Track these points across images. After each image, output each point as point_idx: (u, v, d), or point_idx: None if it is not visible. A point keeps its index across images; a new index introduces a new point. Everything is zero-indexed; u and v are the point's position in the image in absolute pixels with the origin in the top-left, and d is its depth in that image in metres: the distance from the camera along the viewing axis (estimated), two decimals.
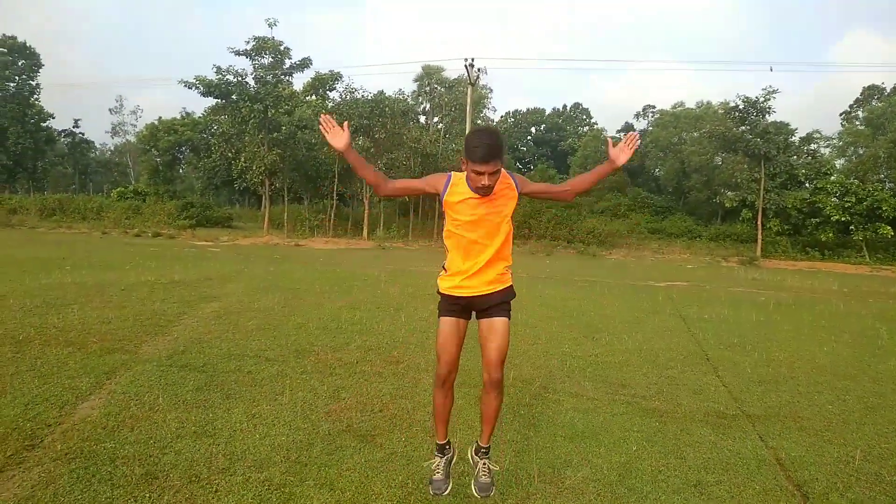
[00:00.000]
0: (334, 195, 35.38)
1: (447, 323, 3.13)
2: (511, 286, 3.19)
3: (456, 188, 3.03)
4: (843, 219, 30.43)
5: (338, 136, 3.08)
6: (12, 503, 3.09)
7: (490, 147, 2.77)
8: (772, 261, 30.14)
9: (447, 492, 3.13)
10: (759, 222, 32.40)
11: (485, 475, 3.12)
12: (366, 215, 34.29)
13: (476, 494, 3.13)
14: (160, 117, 50.57)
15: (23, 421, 4.13)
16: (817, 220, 31.61)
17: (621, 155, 3.18)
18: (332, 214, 35.54)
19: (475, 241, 3.07)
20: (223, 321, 7.87)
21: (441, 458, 3.17)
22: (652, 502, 3.48)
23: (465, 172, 2.96)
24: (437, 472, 3.13)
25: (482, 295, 3.12)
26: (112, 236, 27.93)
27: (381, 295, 11.04)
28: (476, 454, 3.22)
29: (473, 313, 3.22)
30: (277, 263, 17.10)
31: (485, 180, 2.81)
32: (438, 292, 3.20)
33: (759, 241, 32.32)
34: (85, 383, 5.00)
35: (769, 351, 7.74)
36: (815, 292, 15.81)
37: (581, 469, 3.88)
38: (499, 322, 3.10)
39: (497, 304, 3.13)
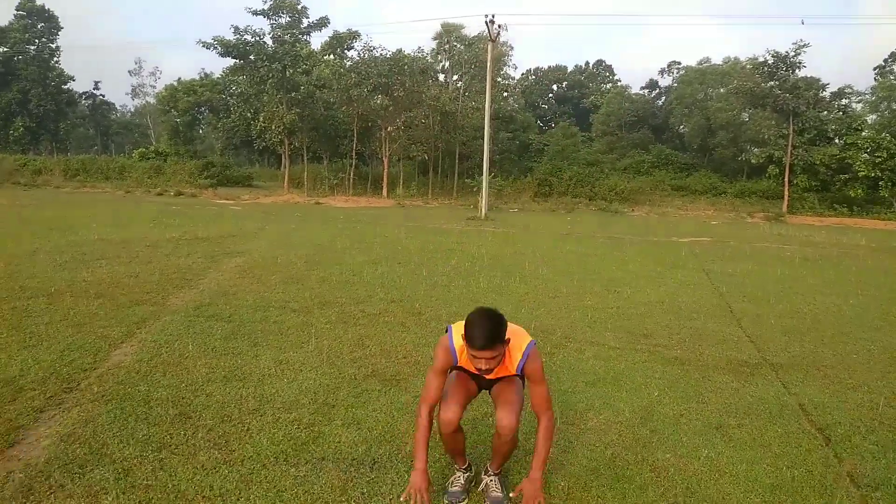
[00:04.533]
0: (353, 154, 35.33)
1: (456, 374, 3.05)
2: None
3: (462, 357, 2.90)
4: (873, 175, 29.60)
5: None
6: (55, 439, 3.22)
7: (490, 334, 2.64)
8: (798, 217, 29.62)
9: None
10: (786, 178, 31.69)
11: (496, 490, 3.01)
12: (385, 174, 34.24)
13: None
14: (179, 78, 50.61)
15: (60, 366, 4.27)
16: (846, 176, 30.83)
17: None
18: (352, 173, 35.52)
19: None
20: (248, 275, 7.99)
21: (462, 473, 3.09)
22: (674, 443, 3.52)
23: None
24: (455, 486, 3.02)
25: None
26: (135, 195, 28.28)
27: (401, 251, 11.09)
28: (485, 474, 3.10)
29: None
30: (298, 221, 17.22)
31: (482, 364, 2.70)
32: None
33: (786, 197, 31.68)
34: (116, 332, 5.15)
35: (794, 303, 7.67)
36: (842, 247, 15.53)
37: (603, 412, 3.93)
38: (509, 381, 3.08)
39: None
